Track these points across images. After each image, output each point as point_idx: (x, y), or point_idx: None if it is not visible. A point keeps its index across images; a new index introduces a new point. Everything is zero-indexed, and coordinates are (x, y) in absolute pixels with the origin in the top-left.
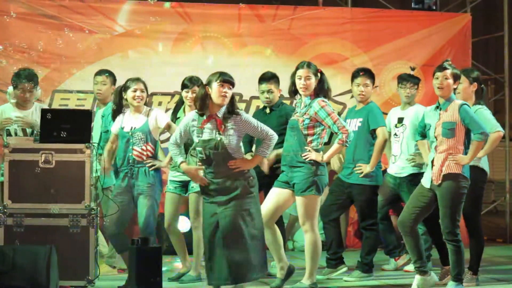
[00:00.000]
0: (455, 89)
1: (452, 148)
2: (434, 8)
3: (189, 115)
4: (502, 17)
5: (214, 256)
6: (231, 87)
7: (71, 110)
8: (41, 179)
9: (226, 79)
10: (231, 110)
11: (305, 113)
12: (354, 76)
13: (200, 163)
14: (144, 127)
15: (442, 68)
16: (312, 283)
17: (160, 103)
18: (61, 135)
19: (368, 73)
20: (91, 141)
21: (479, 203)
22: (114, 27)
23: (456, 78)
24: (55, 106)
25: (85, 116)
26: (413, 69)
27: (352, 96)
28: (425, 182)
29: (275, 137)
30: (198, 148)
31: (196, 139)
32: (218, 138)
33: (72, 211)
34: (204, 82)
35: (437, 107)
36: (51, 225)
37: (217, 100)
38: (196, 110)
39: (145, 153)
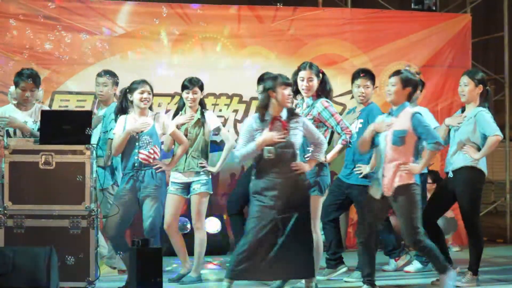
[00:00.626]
0: (411, 95)
1: (402, 157)
2: (434, 8)
3: (249, 121)
4: (502, 17)
5: (270, 253)
6: (290, 88)
7: (71, 111)
8: (41, 180)
9: (287, 83)
10: (292, 111)
11: (308, 114)
12: (355, 77)
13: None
14: (152, 131)
15: (392, 74)
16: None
17: (160, 104)
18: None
19: (369, 74)
20: (90, 143)
21: (477, 204)
22: (113, 28)
23: (406, 83)
24: (55, 107)
25: (85, 117)
26: (418, 73)
27: (352, 97)
28: (376, 193)
29: (325, 144)
30: (267, 148)
31: None
32: (286, 138)
33: (72, 213)
34: (264, 87)
35: (390, 114)
36: (51, 226)
37: (283, 104)
38: (258, 116)
39: (152, 156)
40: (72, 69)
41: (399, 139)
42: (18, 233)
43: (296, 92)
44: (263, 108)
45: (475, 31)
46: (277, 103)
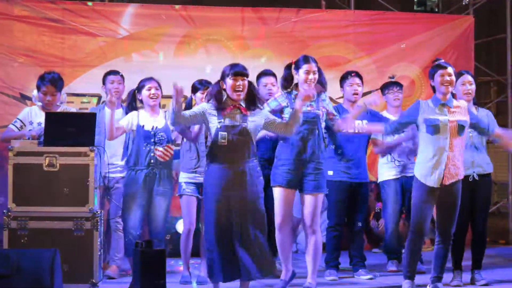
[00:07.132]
0: None
1: None
2: (436, 10)
3: (204, 104)
4: (504, 19)
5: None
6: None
7: (75, 113)
8: (45, 182)
9: (238, 73)
10: (252, 102)
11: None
12: (346, 77)
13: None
14: (166, 128)
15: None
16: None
17: (163, 106)
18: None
19: (359, 74)
20: (94, 144)
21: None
22: (117, 30)
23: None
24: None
25: (90, 119)
26: (392, 77)
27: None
28: None
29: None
30: (222, 133)
31: (218, 125)
32: (242, 124)
33: (76, 214)
34: None
35: None
36: (55, 228)
37: (231, 95)
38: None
39: (167, 153)
40: (76, 71)
41: None
42: (22, 235)
43: (288, 83)
44: (212, 97)
45: (478, 33)
46: (227, 94)
